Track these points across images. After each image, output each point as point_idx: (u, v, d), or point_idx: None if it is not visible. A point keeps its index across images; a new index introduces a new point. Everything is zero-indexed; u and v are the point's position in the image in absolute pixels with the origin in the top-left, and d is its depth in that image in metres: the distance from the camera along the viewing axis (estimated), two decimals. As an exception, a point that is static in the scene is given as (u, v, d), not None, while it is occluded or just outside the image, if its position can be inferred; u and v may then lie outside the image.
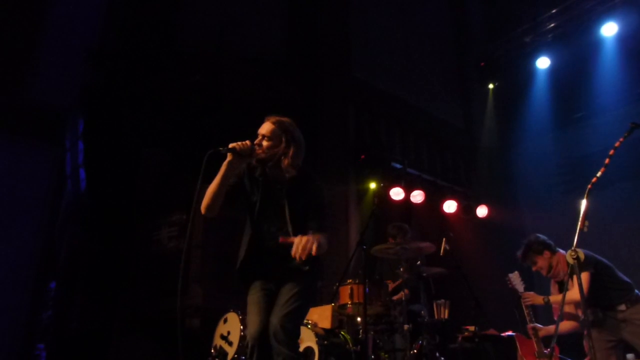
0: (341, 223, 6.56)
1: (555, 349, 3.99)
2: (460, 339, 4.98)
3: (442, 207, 7.63)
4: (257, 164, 2.83)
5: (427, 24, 8.96)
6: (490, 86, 8.79)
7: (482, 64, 8.62)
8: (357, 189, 7.12)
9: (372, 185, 7.16)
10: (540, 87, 8.25)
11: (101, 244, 5.57)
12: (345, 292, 4.55)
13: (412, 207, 7.41)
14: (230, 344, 4.27)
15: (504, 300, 5.19)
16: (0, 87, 5.23)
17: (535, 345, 4.05)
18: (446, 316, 4.80)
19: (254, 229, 2.84)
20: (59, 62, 5.62)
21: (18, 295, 5.28)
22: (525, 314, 4.12)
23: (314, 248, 2.43)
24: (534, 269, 4.21)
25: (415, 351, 4.40)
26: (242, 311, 4.20)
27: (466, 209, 7.76)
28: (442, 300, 4.84)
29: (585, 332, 3.85)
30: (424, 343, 4.49)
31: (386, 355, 4.47)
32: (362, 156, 7.11)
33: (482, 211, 7.74)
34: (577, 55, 7.78)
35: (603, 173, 2.64)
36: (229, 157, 2.69)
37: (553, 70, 8.11)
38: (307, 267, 2.65)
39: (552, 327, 4.02)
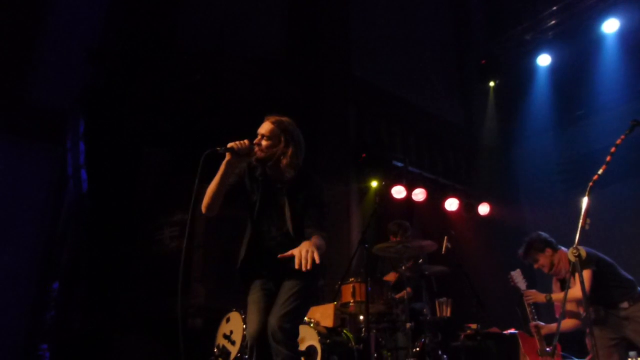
0: (343, 222, 6.56)
1: (558, 346, 3.98)
2: (462, 337, 4.98)
3: (443, 205, 7.63)
4: (257, 164, 2.83)
5: (428, 22, 8.95)
6: (491, 84, 8.78)
7: (483, 62, 8.61)
8: (359, 188, 7.13)
9: (374, 184, 7.16)
10: (541, 85, 8.24)
11: (103, 244, 5.58)
12: (347, 290, 4.55)
13: (414, 206, 7.41)
14: (232, 343, 4.28)
15: (506, 298, 5.20)
16: (1, 88, 5.23)
17: (537, 343, 4.05)
18: (448, 314, 4.80)
19: (254, 228, 2.85)
20: (60, 63, 5.62)
21: (21, 296, 5.29)
22: (528, 311, 4.12)
23: (316, 257, 2.43)
24: (535, 266, 4.21)
25: (417, 349, 4.40)
26: (244, 310, 4.17)
27: (468, 207, 7.76)
28: (444, 299, 4.84)
29: (588, 330, 3.86)
30: (427, 341, 4.49)
31: (389, 354, 4.48)
32: (363, 155, 7.11)
33: (483, 209, 7.73)
34: (578, 52, 7.77)
35: (604, 171, 2.64)
36: (228, 156, 2.70)
37: (554, 68, 8.10)
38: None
39: (554, 325, 4.02)
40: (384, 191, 6.88)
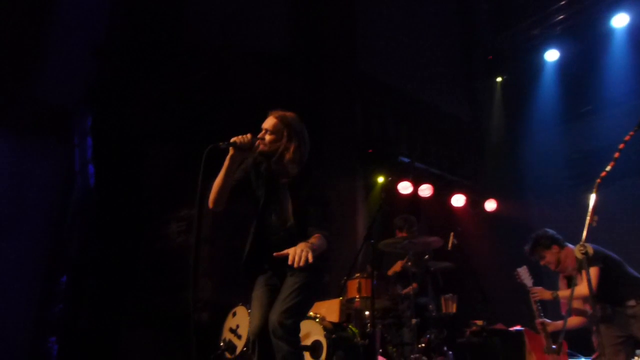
0: (349, 217, 6.56)
1: (564, 344, 3.98)
2: (468, 333, 4.98)
3: (450, 201, 7.61)
4: (261, 158, 2.84)
5: (434, 17, 8.90)
6: (498, 79, 8.73)
7: (490, 57, 8.56)
8: (365, 183, 7.12)
9: (380, 180, 7.16)
10: (549, 80, 8.17)
11: (110, 239, 5.61)
12: (353, 286, 4.56)
13: (420, 201, 7.40)
14: (239, 337, 4.31)
15: (512, 295, 5.19)
16: (7, 85, 5.25)
17: (543, 340, 4.04)
18: (454, 310, 4.80)
19: (258, 223, 2.87)
20: (66, 59, 5.63)
21: (29, 290, 5.34)
22: (534, 308, 4.11)
23: (309, 257, 2.46)
24: (542, 263, 4.19)
25: (423, 345, 4.41)
26: (250, 305, 4.22)
27: (474, 203, 7.75)
28: (450, 295, 4.84)
29: (594, 328, 3.84)
30: (432, 337, 4.50)
31: (394, 349, 4.49)
32: (369, 150, 7.10)
33: (490, 205, 7.71)
34: (587, 47, 7.70)
35: (612, 167, 2.62)
36: (231, 151, 2.71)
37: (562, 63, 8.03)
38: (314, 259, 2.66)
39: (560, 323, 4.00)
40: (390, 187, 6.88)
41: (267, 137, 2.79)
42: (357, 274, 4.60)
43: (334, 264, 5.43)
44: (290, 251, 2.50)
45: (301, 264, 2.44)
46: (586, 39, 7.68)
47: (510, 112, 8.66)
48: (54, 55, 5.66)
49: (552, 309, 4.52)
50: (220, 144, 2.68)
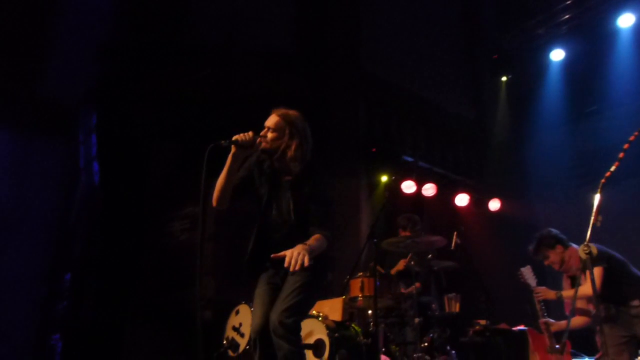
0: (352, 216, 6.56)
1: (567, 344, 3.97)
2: (471, 332, 4.98)
3: (453, 200, 7.59)
4: (263, 155, 2.85)
5: (439, 15, 8.88)
6: (503, 79, 8.70)
7: (495, 56, 8.53)
8: (368, 183, 7.11)
9: (383, 179, 7.14)
10: (554, 80, 8.14)
11: (114, 236, 5.64)
12: (355, 285, 4.56)
13: (424, 201, 7.39)
14: (242, 335, 4.32)
15: (516, 295, 5.17)
16: (12, 83, 5.28)
17: (547, 340, 4.04)
18: (457, 310, 4.80)
19: (261, 221, 2.87)
20: (71, 57, 5.65)
21: (34, 287, 5.36)
22: (538, 308, 4.11)
23: (305, 260, 2.46)
24: (546, 263, 4.18)
25: (425, 344, 4.41)
26: (253, 303, 4.23)
27: (478, 202, 7.73)
28: (453, 294, 4.84)
29: (598, 328, 3.83)
30: (435, 336, 4.49)
31: (397, 348, 4.49)
32: (373, 149, 7.09)
33: (494, 205, 7.69)
34: (592, 47, 7.66)
35: (617, 167, 2.61)
36: (233, 149, 2.73)
37: (567, 63, 8.00)
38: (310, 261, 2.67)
39: (564, 322, 4.00)
40: (394, 186, 6.87)
41: (269, 135, 2.80)
42: (360, 273, 4.61)
43: (337, 263, 5.43)
44: (288, 253, 2.51)
45: (297, 268, 2.46)
46: (592, 38, 7.65)
47: (515, 111, 8.63)
48: (58, 53, 5.67)
49: (555, 308, 4.51)
50: (222, 142, 2.69)
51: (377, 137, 7.34)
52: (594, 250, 2.57)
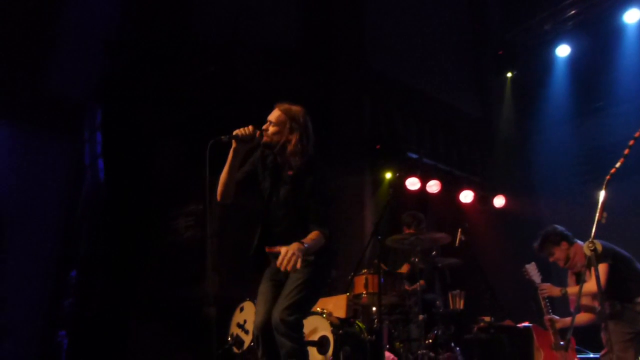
0: (356, 213, 6.56)
1: (572, 340, 3.96)
2: (475, 329, 4.98)
3: (458, 197, 7.58)
4: (264, 149, 2.88)
5: (444, 12, 8.84)
6: (509, 75, 8.64)
7: (500, 52, 8.48)
8: (373, 179, 7.11)
9: (388, 176, 7.14)
10: (560, 76, 8.09)
11: (119, 233, 5.66)
12: (360, 282, 4.56)
13: (428, 198, 7.38)
14: (246, 332, 4.33)
15: (521, 292, 5.17)
16: (18, 79, 5.30)
17: (551, 336, 4.03)
18: (461, 307, 4.79)
19: (264, 215, 2.89)
20: (77, 54, 5.67)
21: (40, 284, 5.40)
22: (542, 305, 4.10)
23: (298, 262, 2.48)
24: (551, 260, 4.18)
25: (430, 341, 4.41)
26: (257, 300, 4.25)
27: (483, 199, 7.70)
28: (458, 291, 4.84)
29: (603, 325, 3.83)
30: (439, 333, 4.49)
31: (401, 345, 4.49)
32: (378, 146, 7.08)
33: (499, 201, 7.67)
34: (598, 43, 7.61)
35: (622, 164, 2.60)
36: (234, 144, 2.74)
37: (573, 59, 7.95)
38: (311, 257, 2.67)
39: (568, 319, 3.99)
40: (398, 183, 6.86)
41: (271, 129, 2.82)
42: (364, 270, 4.61)
43: (341, 260, 5.43)
44: (282, 251, 2.53)
45: (288, 268, 2.48)
46: (598, 34, 7.60)
47: (520, 107, 8.59)
48: (64, 50, 5.70)
49: (560, 305, 4.51)
50: (222, 137, 2.71)
51: (381, 133, 7.33)
52: (599, 247, 2.57)
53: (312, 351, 3.78)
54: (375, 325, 4.23)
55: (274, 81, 6.19)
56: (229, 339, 4.39)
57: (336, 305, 4.50)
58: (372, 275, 4.47)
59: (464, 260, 4.92)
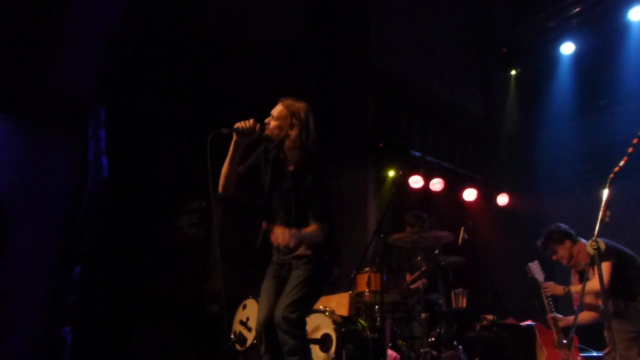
0: (359, 211, 6.55)
1: (575, 339, 3.95)
2: (478, 327, 4.97)
3: (461, 195, 7.56)
4: (265, 142, 2.91)
5: (448, 9, 8.82)
6: (513, 72, 8.62)
7: (504, 50, 8.45)
8: (376, 177, 7.10)
9: (391, 173, 7.13)
10: (564, 74, 8.06)
11: (123, 230, 5.68)
12: (362, 280, 4.56)
13: (432, 196, 7.37)
14: (249, 329, 4.33)
15: (524, 290, 5.16)
16: (22, 77, 5.32)
17: (554, 335, 4.03)
18: (464, 305, 4.79)
19: (267, 209, 2.90)
20: (81, 51, 5.68)
21: (44, 280, 5.42)
22: (545, 304, 4.10)
23: (290, 242, 2.50)
24: (554, 258, 4.17)
25: (432, 339, 4.41)
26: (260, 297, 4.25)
27: (486, 197, 7.69)
28: (460, 289, 4.83)
29: (606, 323, 3.82)
30: (442, 331, 4.49)
31: (403, 343, 4.49)
32: (381, 144, 7.07)
33: (502, 199, 7.65)
34: (603, 40, 7.57)
35: (626, 162, 2.59)
36: (234, 137, 2.77)
37: (577, 56, 7.91)
38: (309, 252, 2.68)
39: (571, 318, 3.98)
40: (401, 181, 6.84)
41: (272, 123, 2.86)
42: (367, 268, 4.60)
43: (344, 258, 5.44)
44: (278, 229, 2.56)
45: (280, 243, 2.52)
46: (602, 32, 7.56)
47: (524, 105, 8.56)
48: (68, 47, 5.71)
49: (563, 304, 4.50)
50: (223, 130, 2.74)
51: (385, 131, 7.32)
52: (602, 245, 2.56)
53: (315, 349, 3.78)
54: (377, 323, 4.23)
55: (278, 79, 6.19)
56: (232, 336, 4.40)
57: (339, 303, 4.51)
58: (375, 273, 4.47)
59: (466, 259, 4.91)
